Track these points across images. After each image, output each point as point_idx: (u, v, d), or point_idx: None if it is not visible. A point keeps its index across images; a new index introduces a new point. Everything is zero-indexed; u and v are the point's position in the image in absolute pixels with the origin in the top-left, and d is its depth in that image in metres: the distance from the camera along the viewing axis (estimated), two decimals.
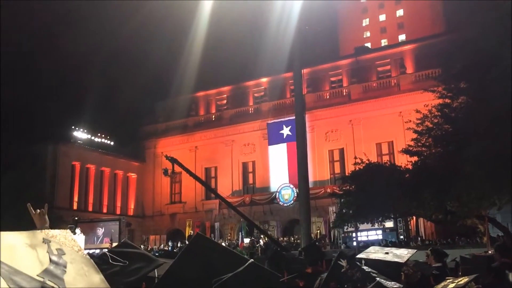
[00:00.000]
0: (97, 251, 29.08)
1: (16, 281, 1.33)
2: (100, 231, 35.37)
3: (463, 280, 3.38)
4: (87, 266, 1.57)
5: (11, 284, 1.30)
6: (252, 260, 1.81)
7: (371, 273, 3.16)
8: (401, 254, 4.01)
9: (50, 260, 1.48)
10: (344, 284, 2.93)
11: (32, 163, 37.94)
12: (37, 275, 1.39)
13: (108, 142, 49.97)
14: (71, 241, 1.64)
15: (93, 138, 48.16)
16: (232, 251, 2.05)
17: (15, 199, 30.11)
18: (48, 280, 1.41)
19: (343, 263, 2.85)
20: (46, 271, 1.44)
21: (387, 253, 4.08)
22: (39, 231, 1.59)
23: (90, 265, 1.60)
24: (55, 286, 1.41)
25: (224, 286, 1.64)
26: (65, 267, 1.49)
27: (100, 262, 2.09)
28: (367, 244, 25.84)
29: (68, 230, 1.72)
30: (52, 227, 3.51)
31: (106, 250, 2.33)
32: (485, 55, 19.91)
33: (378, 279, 3.09)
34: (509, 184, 18.43)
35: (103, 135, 49.59)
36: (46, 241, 1.54)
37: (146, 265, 2.01)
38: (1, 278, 1.29)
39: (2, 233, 1.48)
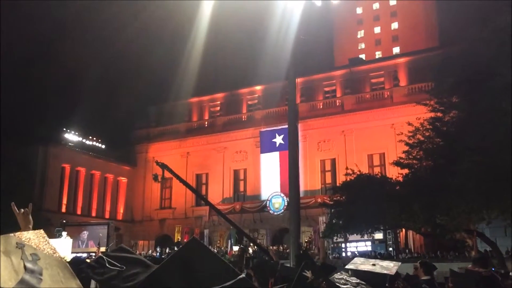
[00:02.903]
0: (84, 255, 28.82)
1: None
2: (85, 234, 35.06)
3: None
4: (62, 272, 1.48)
5: None
6: (243, 275, 1.75)
7: (360, 283, 3.12)
8: (388, 266, 3.97)
9: (25, 268, 1.39)
10: None
11: (21, 164, 37.63)
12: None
13: (99, 145, 49.68)
14: (45, 243, 1.55)
15: (84, 140, 47.86)
16: (226, 262, 1.99)
17: (3, 201, 29.75)
18: None
19: (308, 274, 2.78)
20: (21, 282, 1.35)
21: (374, 264, 4.05)
22: (12, 234, 1.50)
23: (66, 269, 1.51)
24: None
25: None
26: (41, 274, 1.40)
27: (97, 265, 2.04)
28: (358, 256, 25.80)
29: (41, 230, 1.63)
30: (39, 229, 3.45)
31: (101, 253, 2.28)
32: (478, 70, 20.07)
33: None
34: (498, 199, 18.52)
35: (94, 138, 49.31)
36: (20, 245, 1.45)
37: (144, 270, 1.96)
38: None
39: None
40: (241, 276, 1.73)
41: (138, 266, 2.03)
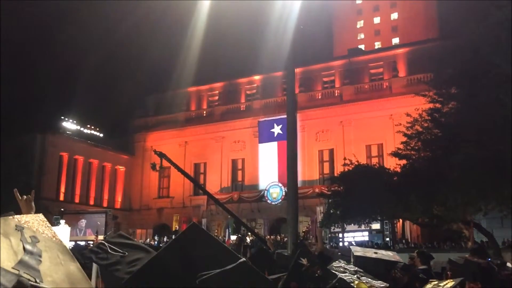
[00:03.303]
0: (83, 243, 28.91)
1: None
2: (83, 223, 35.11)
3: (449, 283, 3.38)
4: (62, 254, 1.49)
5: None
6: (243, 259, 1.76)
7: (358, 271, 3.15)
8: (388, 255, 4.01)
9: (24, 249, 1.39)
10: (305, 284, 2.86)
11: (19, 152, 37.58)
12: (12, 268, 1.31)
13: (98, 134, 49.64)
14: (45, 227, 1.55)
15: (82, 129, 47.79)
16: (226, 247, 2.00)
17: (2, 189, 29.76)
18: (24, 272, 1.32)
19: (304, 261, 2.79)
20: (21, 262, 1.35)
21: (375, 253, 4.09)
22: (11, 217, 1.50)
23: (66, 252, 1.51)
24: (31, 278, 1.32)
25: (209, 283, 1.60)
26: (40, 256, 1.40)
27: (100, 251, 2.06)
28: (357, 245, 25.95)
29: (41, 214, 1.63)
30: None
31: (101, 240, 2.30)
32: (477, 62, 20.04)
33: (362, 277, 3.08)
34: (494, 190, 18.60)
35: (92, 127, 49.25)
36: (19, 228, 1.45)
37: (145, 255, 1.98)
38: None
39: None
40: (241, 260, 1.74)
41: (139, 252, 2.05)
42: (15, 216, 1.52)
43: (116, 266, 1.90)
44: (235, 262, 1.72)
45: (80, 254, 1.90)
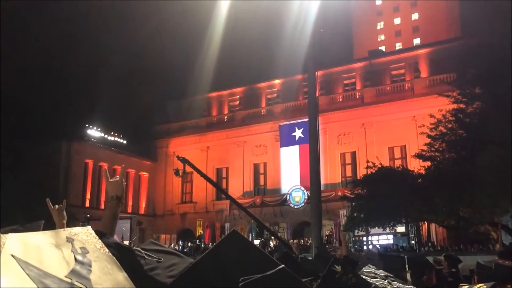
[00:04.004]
0: None
1: (46, 284, 1.32)
2: None
3: (480, 287, 3.35)
4: (110, 264, 1.57)
5: (41, 286, 1.30)
6: (283, 265, 1.81)
7: (388, 276, 3.15)
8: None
9: (76, 259, 1.48)
10: None
11: (46, 161, 38.32)
12: (65, 276, 1.39)
13: (121, 140, 50.30)
14: (93, 239, 1.63)
15: (106, 136, 48.51)
16: (266, 254, 2.06)
17: (29, 197, 30.41)
18: (76, 281, 1.40)
19: (337, 268, 2.80)
20: (73, 272, 1.43)
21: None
22: (62, 229, 1.59)
23: (113, 263, 1.60)
24: (82, 286, 1.40)
25: (250, 287, 1.65)
26: (90, 266, 1.49)
27: (137, 257, 2.14)
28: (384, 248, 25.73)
29: (89, 227, 1.72)
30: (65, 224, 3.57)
31: (135, 248, 2.39)
32: (501, 62, 19.73)
33: (393, 283, 3.08)
34: None
35: (116, 134, 49.94)
36: (69, 239, 1.54)
37: (180, 261, 2.05)
38: (32, 282, 1.29)
39: (28, 233, 1.49)
40: (281, 266, 1.79)
41: (174, 257, 2.12)
42: (66, 228, 1.61)
43: (155, 270, 1.98)
44: (274, 268, 1.77)
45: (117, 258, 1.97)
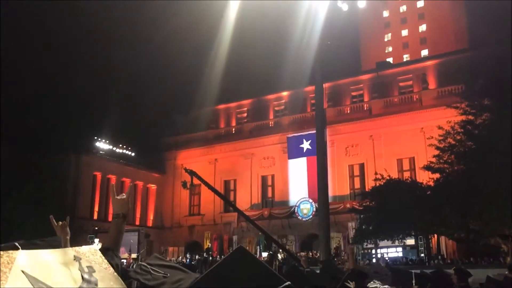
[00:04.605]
0: None
1: None
2: None
3: None
4: (115, 284, 1.61)
5: None
6: (289, 282, 1.80)
7: None
8: None
9: (82, 278, 1.53)
10: None
11: (54, 173, 38.54)
12: None
13: (129, 153, 50.50)
14: (99, 258, 1.68)
15: (114, 149, 48.73)
16: (272, 270, 2.05)
17: (37, 209, 30.57)
18: None
19: (351, 285, 2.76)
20: None
21: None
22: (70, 248, 1.64)
23: (118, 282, 1.63)
24: None
25: None
26: (96, 284, 1.53)
27: (144, 272, 2.15)
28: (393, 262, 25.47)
29: (96, 248, 1.76)
30: (73, 236, 3.58)
31: (140, 263, 2.41)
32: (509, 73, 19.65)
33: None
34: None
35: (124, 146, 50.16)
36: (77, 258, 1.58)
37: (185, 276, 2.06)
38: None
39: (38, 250, 1.52)
40: (287, 283, 1.79)
41: (179, 272, 2.13)
42: (74, 248, 1.65)
43: (162, 286, 1.98)
44: (280, 284, 1.76)
45: (123, 273, 1.98)
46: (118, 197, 2.64)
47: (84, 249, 1.67)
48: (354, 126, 42.29)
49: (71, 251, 1.60)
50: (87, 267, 1.58)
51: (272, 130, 46.95)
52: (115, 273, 1.66)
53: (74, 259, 1.57)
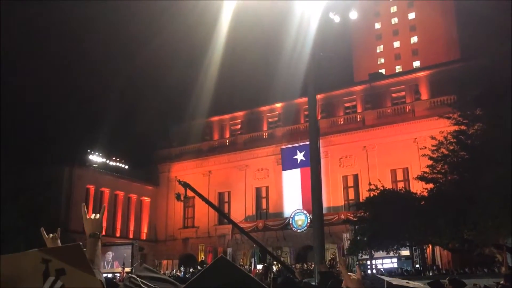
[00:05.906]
0: (110, 275, 28.99)
1: None
2: (110, 255, 35.15)
3: None
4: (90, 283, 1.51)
5: None
6: None
7: None
8: (420, 286, 3.93)
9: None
10: None
11: (47, 186, 38.28)
12: None
13: (123, 166, 50.27)
14: (79, 257, 1.57)
15: (108, 161, 48.50)
16: (255, 279, 2.03)
17: (30, 221, 30.31)
18: None
19: None
20: None
21: (408, 282, 4.03)
22: (43, 251, 1.54)
23: (95, 284, 1.53)
24: None
25: None
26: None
27: (133, 286, 2.11)
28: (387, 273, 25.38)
29: (80, 244, 1.67)
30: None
31: (130, 274, 2.37)
32: (501, 83, 19.82)
33: None
34: None
35: (117, 159, 49.94)
36: (45, 261, 1.48)
37: None
38: None
39: (3, 256, 1.44)
40: None
41: (168, 284, 2.10)
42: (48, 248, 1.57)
43: None
44: None
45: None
46: (92, 217, 2.64)
47: (61, 249, 1.56)
48: (348, 137, 42.40)
49: (40, 253, 1.50)
50: (56, 270, 1.47)
51: (266, 142, 46.95)
52: (94, 276, 1.56)
53: (42, 262, 1.47)
